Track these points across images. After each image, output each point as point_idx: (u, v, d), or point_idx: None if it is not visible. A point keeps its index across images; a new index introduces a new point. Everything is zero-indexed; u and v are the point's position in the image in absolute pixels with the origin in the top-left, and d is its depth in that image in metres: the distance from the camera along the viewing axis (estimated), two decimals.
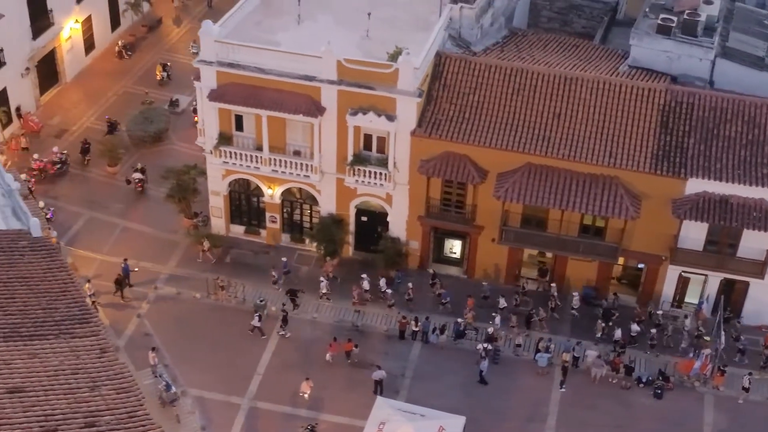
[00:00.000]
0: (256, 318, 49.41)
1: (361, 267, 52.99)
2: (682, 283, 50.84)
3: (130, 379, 35.62)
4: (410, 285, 51.36)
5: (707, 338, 49.29)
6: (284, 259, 53.10)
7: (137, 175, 57.74)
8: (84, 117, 63.20)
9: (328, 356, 48.57)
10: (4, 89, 59.37)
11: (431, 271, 52.81)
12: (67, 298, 40.21)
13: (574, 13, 60.96)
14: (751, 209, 46.97)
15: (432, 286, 52.04)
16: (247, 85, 49.37)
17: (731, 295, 50.50)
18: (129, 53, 67.83)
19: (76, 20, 64.39)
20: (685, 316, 50.65)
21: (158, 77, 65.90)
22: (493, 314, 50.10)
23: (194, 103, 58.37)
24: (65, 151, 58.91)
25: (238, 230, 55.22)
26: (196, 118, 56.02)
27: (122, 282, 50.98)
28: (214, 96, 49.77)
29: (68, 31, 63.69)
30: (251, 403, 46.72)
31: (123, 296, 51.04)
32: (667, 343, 49.66)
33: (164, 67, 66.20)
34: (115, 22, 69.06)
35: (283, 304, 50.66)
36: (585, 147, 48.06)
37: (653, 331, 49.24)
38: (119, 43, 67.96)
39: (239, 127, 51.44)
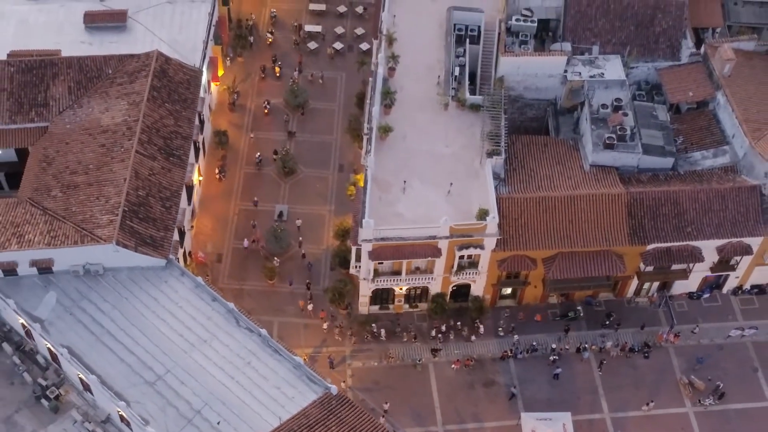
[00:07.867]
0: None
1: (456, 313, 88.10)
2: (641, 284, 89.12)
3: None
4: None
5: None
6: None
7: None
8: (224, 239, 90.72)
9: (453, 367, 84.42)
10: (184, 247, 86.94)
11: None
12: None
13: (527, 108, 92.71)
14: (682, 252, 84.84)
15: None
16: (392, 246, 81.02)
17: (665, 284, 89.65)
18: (223, 174, 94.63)
19: (198, 171, 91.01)
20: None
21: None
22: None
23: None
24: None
25: (373, 308, 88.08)
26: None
27: None
28: (373, 257, 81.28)
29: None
30: (444, 427, 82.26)
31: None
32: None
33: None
34: (203, 150, 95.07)
35: (419, 361, 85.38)
36: (590, 236, 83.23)
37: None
38: (216, 169, 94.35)
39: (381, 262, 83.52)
